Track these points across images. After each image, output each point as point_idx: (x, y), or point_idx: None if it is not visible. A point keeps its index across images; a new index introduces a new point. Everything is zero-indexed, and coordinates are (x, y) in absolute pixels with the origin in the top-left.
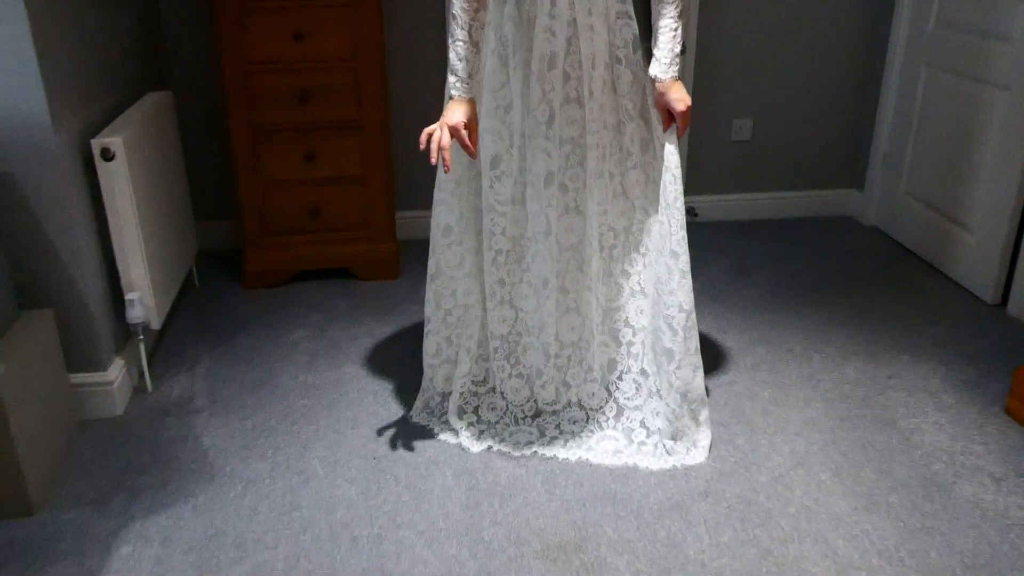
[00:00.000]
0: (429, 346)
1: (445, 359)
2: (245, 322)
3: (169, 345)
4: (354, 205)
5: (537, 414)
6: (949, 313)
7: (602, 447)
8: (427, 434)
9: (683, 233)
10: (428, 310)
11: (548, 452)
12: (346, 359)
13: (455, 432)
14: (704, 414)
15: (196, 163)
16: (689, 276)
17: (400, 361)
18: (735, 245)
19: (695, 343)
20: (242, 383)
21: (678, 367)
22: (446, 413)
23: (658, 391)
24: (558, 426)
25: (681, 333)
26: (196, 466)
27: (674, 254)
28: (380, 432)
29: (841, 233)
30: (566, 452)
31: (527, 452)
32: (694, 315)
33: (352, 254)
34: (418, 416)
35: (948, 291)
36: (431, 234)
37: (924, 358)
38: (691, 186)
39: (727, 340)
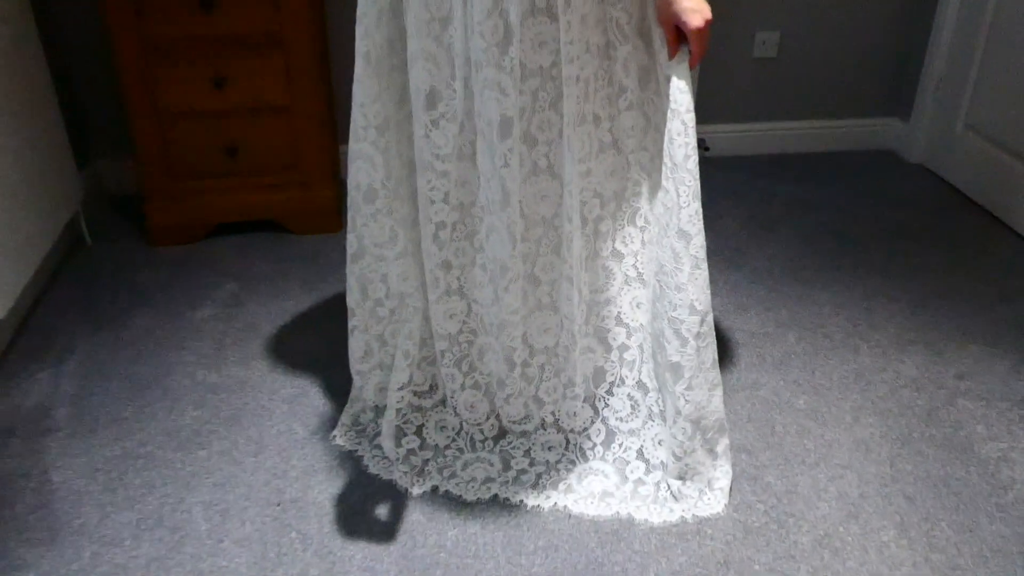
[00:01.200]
0: (356, 347)
1: (377, 364)
2: (142, 293)
3: (36, 329)
4: (280, 142)
5: (500, 435)
6: None
7: (586, 486)
8: (353, 466)
9: (697, 206)
10: (351, 300)
11: (514, 496)
12: (261, 348)
13: (390, 464)
14: (723, 444)
15: (86, 86)
16: (704, 266)
17: (331, 350)
18: (755, 188)
19: (711, 354)
20: (121, 385)
21: (688, 387)
22: (379, 434)
23: (661, 412)
24: (528, 453)
25: (693, 343)
26: (35, 519)
27: (683, 234)
28: (290, 462)
29: (881, 172)
30: (537, 497)
31: (485, 495)
32: (711, 317)
33: (280, 203)
34: (344, 437)
35: (1019, 251)
36: (348, 200)
37: (1000, 349)
38: (703, 113)
39: (749, 321)
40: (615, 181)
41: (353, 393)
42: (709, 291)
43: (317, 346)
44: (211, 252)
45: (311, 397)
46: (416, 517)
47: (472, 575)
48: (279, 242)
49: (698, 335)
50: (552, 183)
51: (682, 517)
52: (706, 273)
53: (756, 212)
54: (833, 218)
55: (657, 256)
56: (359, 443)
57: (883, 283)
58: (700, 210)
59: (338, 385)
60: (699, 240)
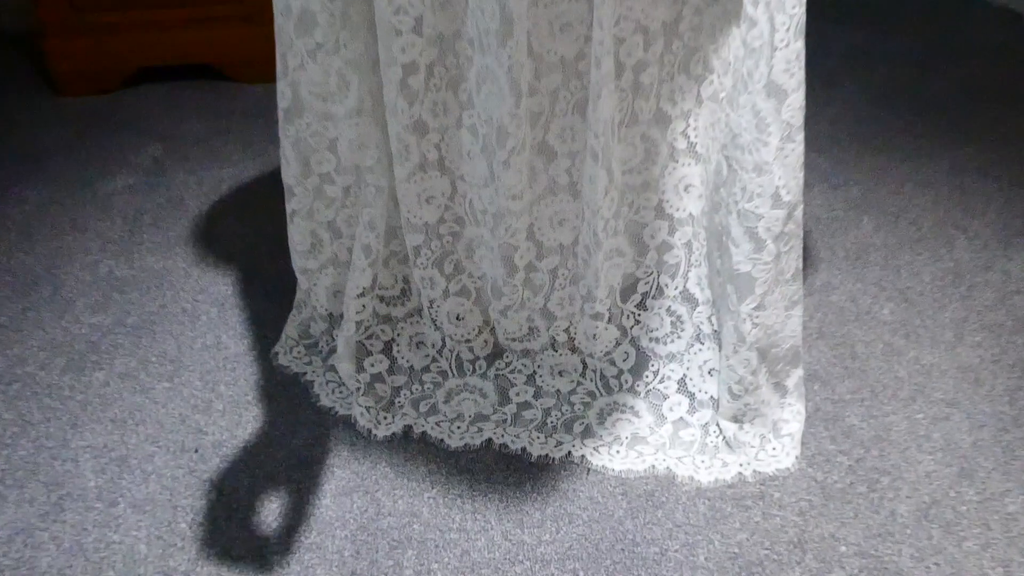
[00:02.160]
0: (298, 238)
1: (329, 260)
2: (38, 158)
3: None
4: None
5: (496, 354)
6: None
7: (610, 428)
8: (299, 397)
9: (799, 47)
10: (288, 175)
11: (513, 441)
12: (186, 232)
13: (348, 394)
14: (795, 377)
15: None
16: (800, 136)
17: (280, 236)
18: (808, 34)
19: (795, 262)
20: (3, 280)
21: (759, 306)
22: (335, 352)
23: (714, 334)
24: (532, 379)
25: (771, 247)
26: None
27: (775, 89)
28: (215, 390)
29: (961, 17)
30: (545, 443)
31: (475, 439)
32: (800, 211)
33: (219, 42)
34: (288, 356)
35: None
36: (276, 30)
37: None
38: None
39: (811, 203)
40: (665, 7)
41: (299, 297)
42: (802, 174)
43: (261, 230)
44: (130, 105)
45: (249, 299)
46: (381, 471)
47: (456, 555)
48: (217, 93)
49: (780, 236)
50: (574, 5)
51: (739, 474)
52: (801, 148)
53: (812, 64)
54: (905, 73)
55: (727, 121)
56: (308, 364)
57: (974, 155)
58: (803, 53)
59: (287, 283)
60: (797, 98)
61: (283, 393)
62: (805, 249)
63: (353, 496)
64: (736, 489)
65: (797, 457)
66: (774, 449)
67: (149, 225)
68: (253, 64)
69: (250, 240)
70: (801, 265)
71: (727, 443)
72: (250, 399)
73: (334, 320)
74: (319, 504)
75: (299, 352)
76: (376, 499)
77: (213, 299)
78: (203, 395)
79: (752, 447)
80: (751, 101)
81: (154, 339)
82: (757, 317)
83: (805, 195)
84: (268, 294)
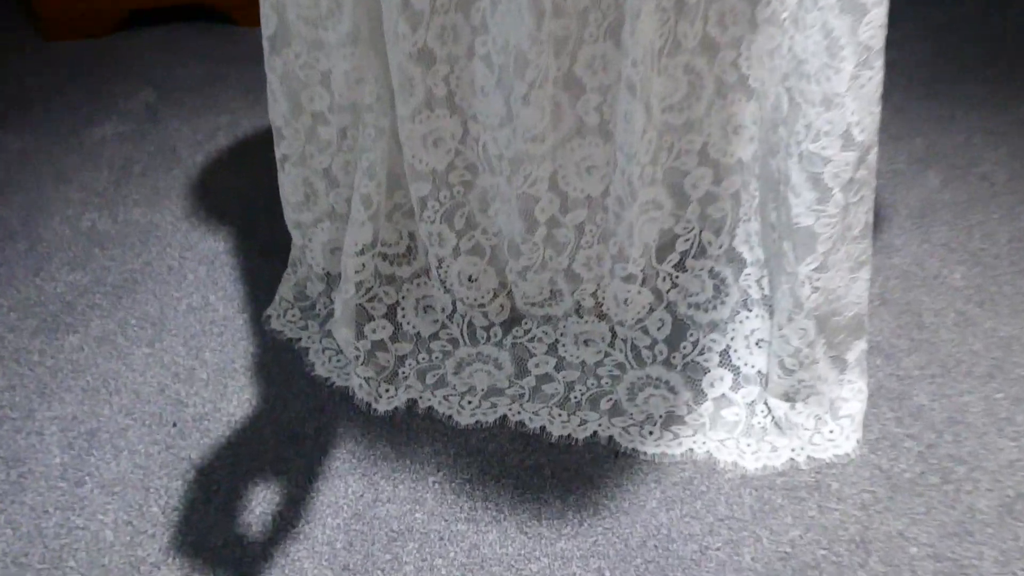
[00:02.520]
0: (289, 187)
1: (326, 212)
2: (23, 103)
3: None
4: None
5: (514, 321)
6: None
7: (642, 407)
8: (292, 365)
9: None
10: (276, 114)
11: (531, 419)
12: (178, 184)
13: (346, 363)
14: (857, 350)
15: None
16: (880, 63)
17: (275, 189)
18: None
19: (865, 215)
20: None
21: (820, 267)
22: (331, 318)
23: (764, 299)
24: (554, 349)
25: (839, 196)
26: None
27: (850, 4)
28: (200, 356)
29: None
30: (567, 423)
31: (488, 415)
32: (875, 154)
33: None
34: (281, 320)
35: None
36: None
37: None
38: None
39: None
40: None
41: (293, 255)
42: (879, 110)
43: (258, 183)
44: (122, 50)
45: (242, 257)
46: (381, 451)
47: (463, 550)
48: (215, 37)
49: (849, 184)
50: None
51: (791, 460)
52: (880, 77)
53: None
54: (972, 11)
55: (790, 46)
56: (303, 329)
57: None
58: None
59: (284, 240)
60: (878, 15)
61: (274, 361)
62: None
63: (348, 479)
64: (787, 478)
65: (858, 441)
66: (831, 432)
67: (138, 176)
68: (254, 4)
69: (246, 193)
70: (871, 220)
71: (777, 424)
72: (237, 367)
73: (332, 280)
74: (309, 488)
75: (293, 316)
76: (374, 483)
77: (202, 256)
78: (186, 362)
79: (806, 429)
80: (821, 19)
81: (135, 300)
82: (818, 280)
83: None
84: (263, 252)
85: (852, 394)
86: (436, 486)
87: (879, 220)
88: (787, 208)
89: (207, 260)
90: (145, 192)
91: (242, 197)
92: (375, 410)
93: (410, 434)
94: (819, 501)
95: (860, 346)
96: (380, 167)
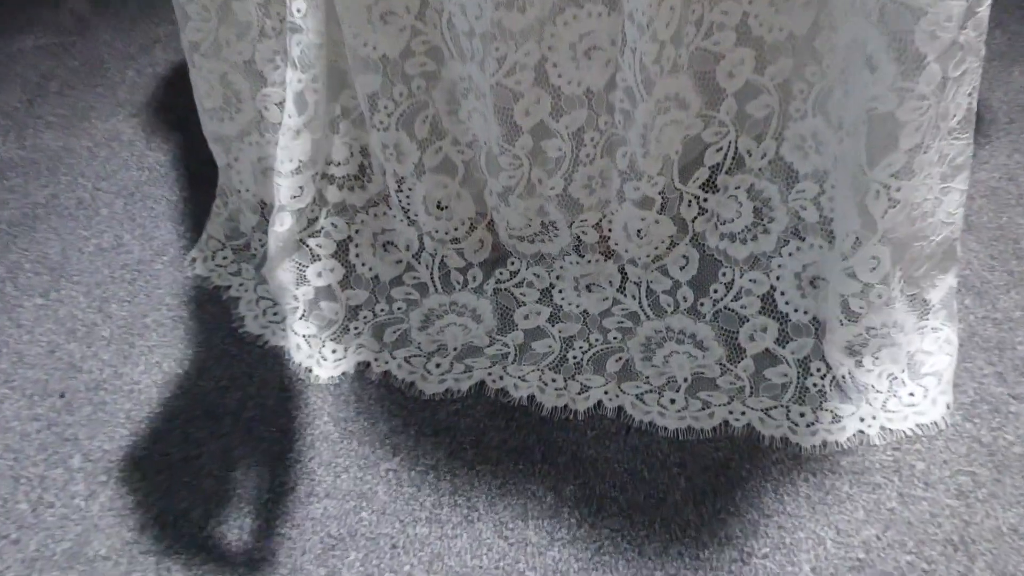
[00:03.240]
0: (201, 85)
1: (251, 121)
2: None
3: None
4: None
5: (497, 262)
6: None
7: (661, 368)
8: (216, 319)
9: None
10: None
11: (517, 385)
12: (99, 103)
13: (283, 317)
14: (944, 289)
15: None
16: None
17: None
18: None
19: (969, 97)
20: None
21: (904, 169)
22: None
23: (821, 222)
24: (547, 296)
25: (935, 66)
26: None
27: None
28: (106, 308)
29: None
30: (563, 391)
31: (461, 384)
32: (988, 7)
33: None
34: (207, 263)
35: None
36: None
37: None
38: None
39: None
40: None
41: (222, 181)
42: None
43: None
44: None
45: (170, 189)
46: (320, 430)
47: (423, 561)
48: None
49: (949, 51)
50: None
51: (860, 435)
52: None
53: None
54: None
55: None
56: (235, 274)
57: None
58: None
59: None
60: None
61: (195, 315)
62: None
63: (275, 467)
64: (856, 458)
65: (948, 407)
66: (911, 396)
67: (54, 94)
68: None
69: (182, 114)
70: (975, 107)
71: (839, 387)
72: (148, 323)
73: (268, 211)
74: (225, 479)
75: (224, 258)
76: (309, 472)
77: (121, 188)
78: (85, 316)
79: (878, 392)
80: None
81: (33, 239)
82: (898, 189)
83: None
84: (196, 183)
85: (937, 345)
86: (390, 476)
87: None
88: (860, 89)
89: (126, 192)
90: (62, 112)
91: (177, 118)
92: (316, 377)
93: (359, 407)
94: (900, 488)
95: (948, 282)
96: (315, 56)
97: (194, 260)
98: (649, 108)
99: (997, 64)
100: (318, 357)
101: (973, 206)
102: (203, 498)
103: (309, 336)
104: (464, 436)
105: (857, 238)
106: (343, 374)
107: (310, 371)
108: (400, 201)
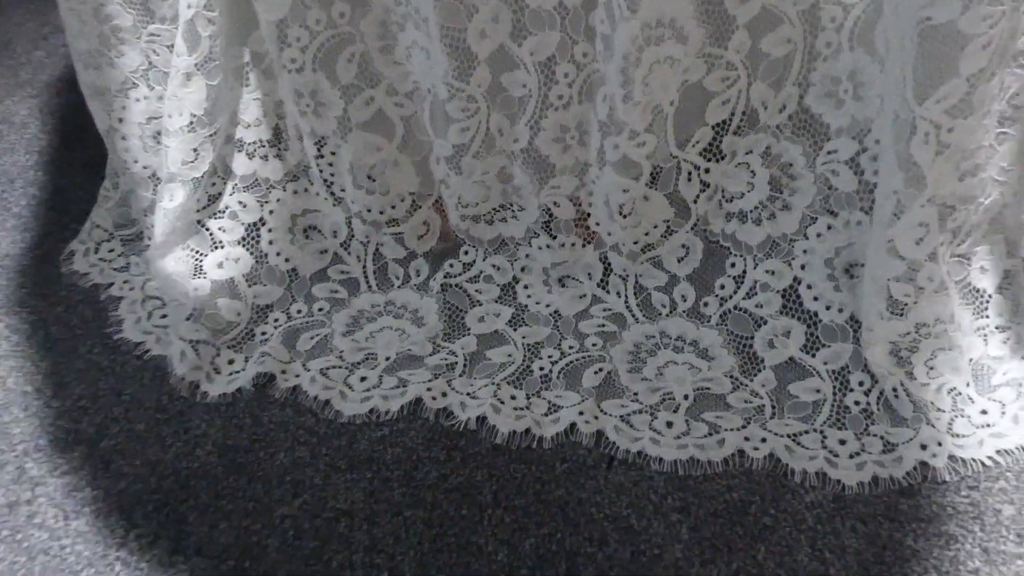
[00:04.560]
0: (73, 22)
1: (138, 67)
2: None
3: None
4: None
5: (447, 252)
6: None
7: (654, 383)
8: (88, 323)
9: None
10: None
11: (464, 405)
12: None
13: (171, 322)
14: (1012, 267)
15: None
16: None
17: None
18: None
19: None
20: None
21: (962, 103)
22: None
23: (859, 191)
24: (509, 292)
25: None
26: None
27: None
28: None
29: None
30: (524, 412)
31: (391, 403)
32: None
33: None
34: (87, 258)
35: None
36: None
37: None
38: None
39: None
40: None
41: (111, 159)
42: None
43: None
44: None
45: (56, 174)
46: (205, 462)
47: None
48: None
49: None
50: None
51: (923, 467)
52: None
53: None
54: None
55: None
56: (120, 270)
57: None
58: None
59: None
60: None
61: (62, 319)
62: None
63: (132, 515)
64: (920, 500)
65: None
66: (984, 414)
67: None
68: None
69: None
70: None
71: (889, 406)
72: (1, 329)
73: (155, 186)
74: (60, 532)
75: (110, 251)
76: (177, 521)
77: (1, 173)
78: None
79: (940, 411)
80: None
81: None
82: (950, 130)
83: None
84: (92, 169)
85: (1008, 348)
86: (287, 525)
87: None
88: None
89: (5, 179)
90: None
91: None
92: (204, 394)
93: (255, 434)
94: (983, 541)
95: (1001, 263)
96: None
97: (72, 254)
98: (633, 31)
99: None
100: (208, 369)
101: None
102: (27, 557)
103: (199, 343)
104: (390, 471)
105: (899, 199)
106: (239, 391)
107: (197, 387)
108: (321, 171)
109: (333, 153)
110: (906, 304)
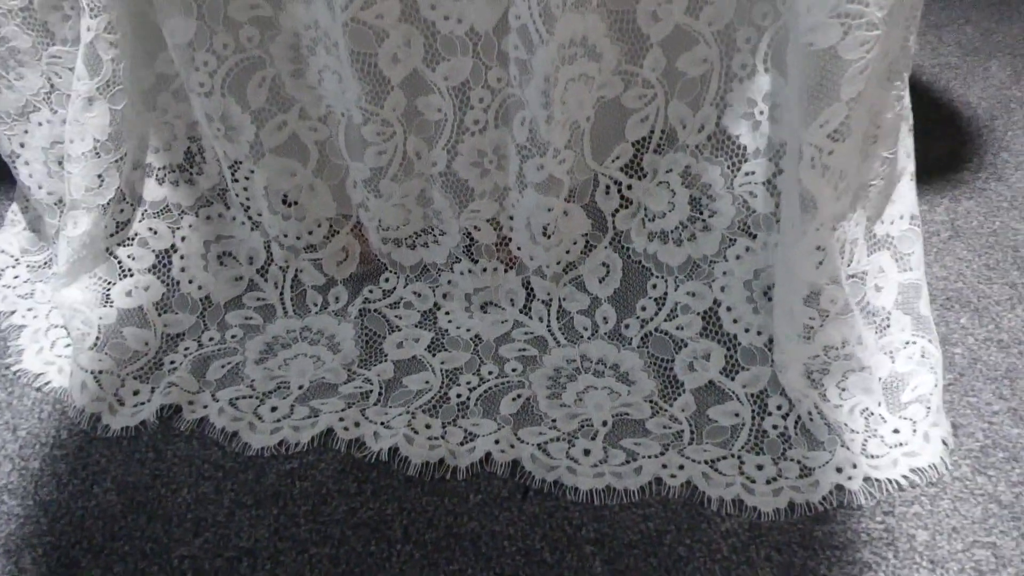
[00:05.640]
0: None
1: (40, 89)
2: None
3: None
4: None
5: (366, 276)
6: None
7: (573, 409)
8: None
9: None
10: None
11: (376, 435)
12: None
13: (69, 350)
14: (909, 318)
15: None
16: None
17: None
18: None
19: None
20: None
21: (841, 127)
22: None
23: (779, 223)
24: (429, 318)
25: None
26: None
27: None
28: None
29: None
30: (438, 442)
31: (301, 435)
32: None
33: None
34: None
35: None
36: None
37: None
38: None
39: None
40: None
41: (20, 180)
42: None
43: None
44: None
45: None
46: (103, 500)
47: None
48: None
49: None
50: None
51: (839, 491)
52: None
53: None
54: None
55: None
56: (25, 296)
57: None
58: None
59: None
60: None
61: None
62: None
63: (18, 558)
64: (836, 526)
65: (946, 443)
66: (896, 433)
67: None
68: None
69: None
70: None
71: (805, 430)
72: None
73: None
74: None
75: (15, 277)
76: (69, 564)
77: None
78: None
79: (855, 433)
80: None
81: None
82: (831, 151)
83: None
84: (3, 184)
85: (914, 363)
86: (185, 566)
87: (935, 123)
88: (796, 21)
89: None
90: None
91: None
92: (105, 427)
93: (157, 469)
94: (897, 568)
95: (913, 275)
96: None
97: None
98: (551, 54)
99: (972, 59)
100: (111, 401)
101: (959, 209)
102: None
103: (101, 373)
104: (298, 505)
105: (793, 223)
106: (143, 424)
107: (98, 420)
108: (237, 195)
109: (246, 178)
110: (812, 327)
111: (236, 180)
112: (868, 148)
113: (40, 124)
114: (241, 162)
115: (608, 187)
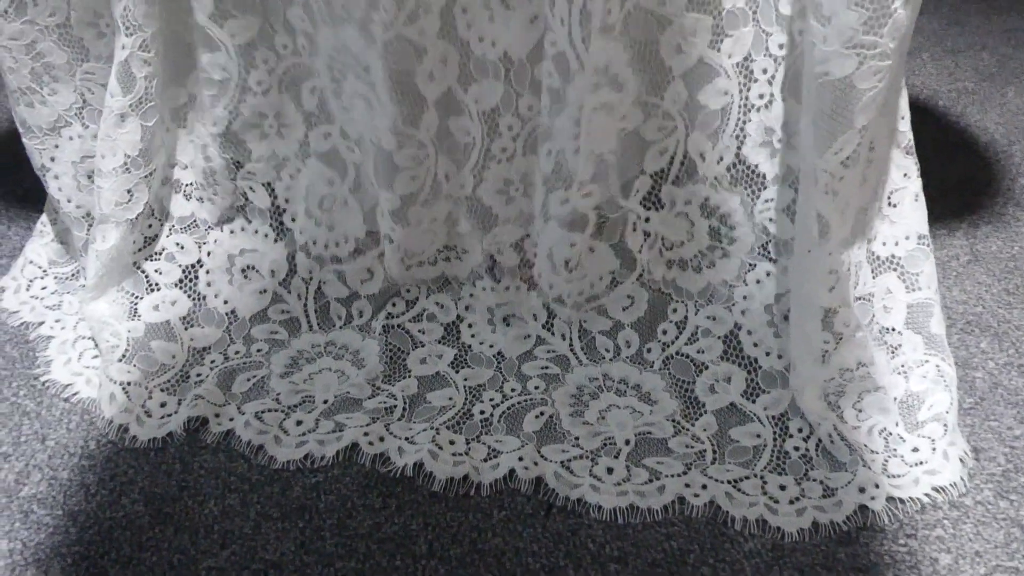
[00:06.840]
0: (6, 61)
1: (73, 105)
2: None
3: None
4: None
5: (388, 293)
6: None
7: (596, 427)
8: (13, 365)
9: None
10: None
11: (402, 450)
12: None
13: (98, 363)
14: (920, 337)
15: None
16: None
17: None
18: None
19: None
20: None
21: (853, 155)
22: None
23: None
24: (452, 332)
25: (901, 11)
26: None
27: None
28: None
29: None
30: (463, 458)
31: (327, 449)
32: None
33: None
34: (19, 295)
35: None
36: None
37: None
38: None
39: (925, 74)
40: None
41: (51, 194)
42: None
43: None
44: None
45: None
46: (131, 511)
47: None
48: None
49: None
50: None
51: (863, 511)
52: None
53: None
54: None
55: None
56: (53, 308)
57: None
58: None
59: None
60: None
61: None
62: (923, 137)
63: (48, 568)
64: (858, 548)
65: (964, 461)
66: (916, 452)
67: None
68: None
69: None
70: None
71: (826, 451)
72: None
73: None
74: None
75: (43, 288)
76: (98, 573)
77: None
78: None
79: (875, 453)
80: None
81: None
82: (842, 177)
83: (909, 64)
84: (31, 201)
85: (928, 382)
86: None
87: (953, 148)
88: (810, 51)
89: None
90: None
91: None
92: (133, 438)
93: (184, 481)
94: None
95: (922, 294)
96: (144, 13)
97: (2, 290)
98: (586, 81)
99: (988, 85)
100: (139, 412)
101: (978, 234)
102: None
103: (129, 384)
104: (323, 519)
105: (809, 249)
106: (170, 435)
107: (126, 430)
108: (278, 194)
109: (291, 177)
110: (826, 351)
111: (280, 179)
112: (865, 172)
113: (71, 139)
114: (288, 160)
115: (635, 224)
